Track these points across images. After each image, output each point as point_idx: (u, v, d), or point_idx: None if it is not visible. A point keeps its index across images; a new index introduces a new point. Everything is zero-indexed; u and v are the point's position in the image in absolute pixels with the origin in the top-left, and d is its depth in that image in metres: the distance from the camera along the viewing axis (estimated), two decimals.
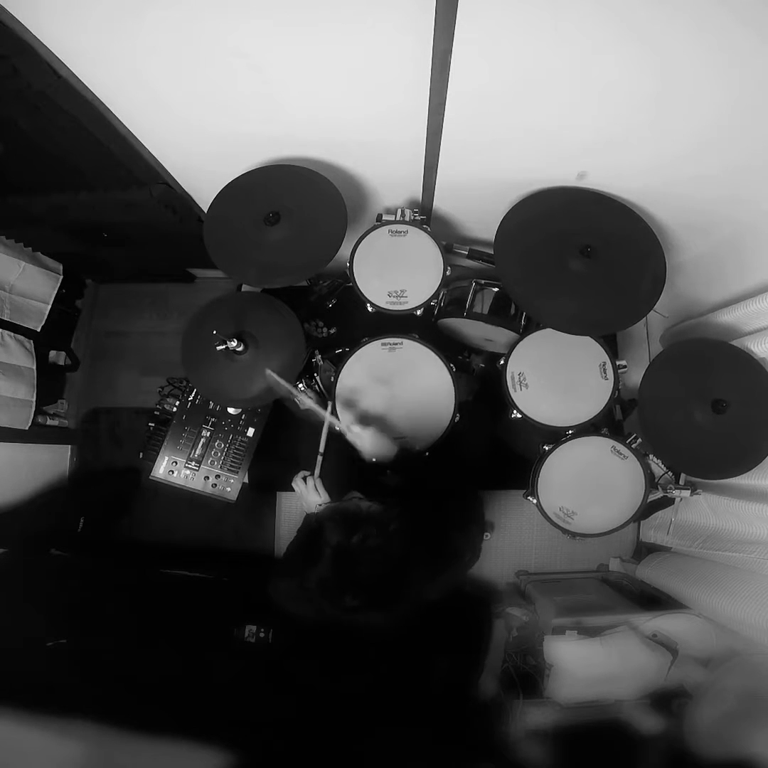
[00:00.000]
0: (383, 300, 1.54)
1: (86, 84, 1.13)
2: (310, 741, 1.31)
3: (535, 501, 1.56)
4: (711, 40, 0.90)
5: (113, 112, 1.22)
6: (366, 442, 1.33)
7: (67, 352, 2.28)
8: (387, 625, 1.09)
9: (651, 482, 1.56)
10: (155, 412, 1.90)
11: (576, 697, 1.68)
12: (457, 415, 1.52)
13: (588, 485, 1.56)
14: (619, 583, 2.09)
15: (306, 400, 1.44)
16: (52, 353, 2.22)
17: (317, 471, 1.34)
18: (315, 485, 1.32)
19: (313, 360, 1.82)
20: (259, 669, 1.60)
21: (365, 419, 1.36)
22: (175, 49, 1.03)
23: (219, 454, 1.86)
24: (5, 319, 1.91)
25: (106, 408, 2.33)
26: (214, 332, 1.43)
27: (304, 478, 1.33)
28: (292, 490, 1.35)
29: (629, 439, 1.56)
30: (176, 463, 1.85)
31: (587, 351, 1.56)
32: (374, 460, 1.35)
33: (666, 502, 1.84)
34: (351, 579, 1.00)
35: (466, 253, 1.67)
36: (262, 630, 1.67)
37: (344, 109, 1.20)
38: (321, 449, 1.35)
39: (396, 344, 1.57)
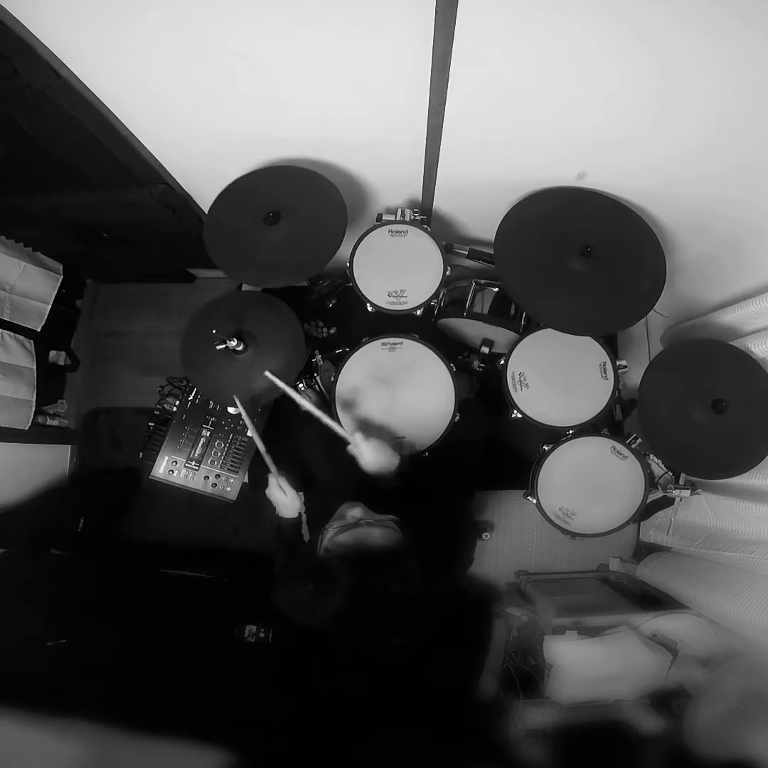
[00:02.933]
0: (383, 300, 1.54)
1: (87, 84, 1.13)
2: (310, 741, 1.31)
3: (535, 501, 1.55)
4: (711, 41, 0.90)
5: (113, 112, 1.22)
6: (366, 455, 1.29)
7: (67, 352, 2.27)
8: (407, 644, 1.11)
9: (651, 482, 1.56)
10: (155, 412, 1.90)
11: (576, 697, 1.68)
12: (457, 415, 1.52)
13: (588, 485, 1.56)
14: (619, 583, 2.08)
15: (304, 403, 1.43)
16: (52, 353, 2.21)
17: (272, 468, 1.34)
18: (278, 483, 1.33)
19: (313, 360, 1.82)
20: (259, 669, 1.60)
21: (367, 431, 1.34)
22: (176, 49, 1.03)
23: (219, 454, 1.86)
24: (5, 319, 1.90)
25: (106, 408, 2.33)
26: (214, 332, 1.43)
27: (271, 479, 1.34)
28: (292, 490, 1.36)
29: (629, 439, 1.56)
30: (176, 462, 1.85)
31: (587, 351, 1.56)
32: (374, 472, 1.31)
33: (666, 502, 1.84)
34: (373, 619, 1.01)
35: (466, 253, 1.67)
36: (262, 630, 1.67)
37: (344, 109, 1.20)
38: (261, 448, 1.35)
39: (396, 344, 1.57)
